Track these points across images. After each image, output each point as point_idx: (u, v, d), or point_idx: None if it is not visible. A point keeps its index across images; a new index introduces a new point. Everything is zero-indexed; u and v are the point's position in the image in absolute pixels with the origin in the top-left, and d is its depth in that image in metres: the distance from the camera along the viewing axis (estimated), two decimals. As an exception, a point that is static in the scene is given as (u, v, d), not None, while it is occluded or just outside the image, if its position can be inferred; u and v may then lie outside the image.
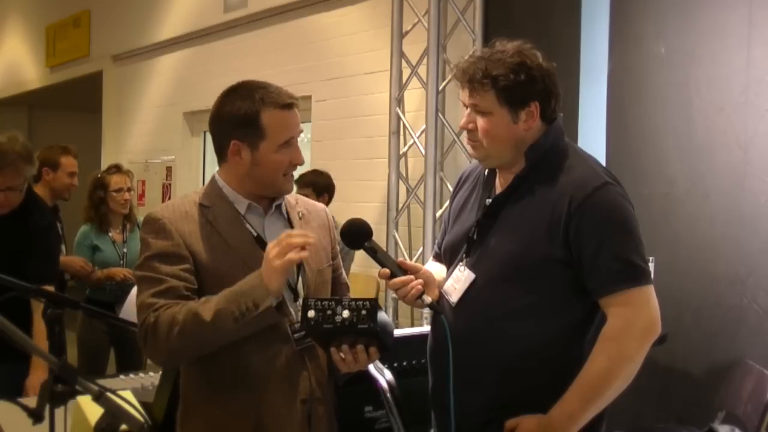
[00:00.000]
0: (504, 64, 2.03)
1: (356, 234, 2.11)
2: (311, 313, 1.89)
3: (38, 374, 3.08)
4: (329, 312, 1.88)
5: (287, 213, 2.15)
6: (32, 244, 3.29)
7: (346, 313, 1.88)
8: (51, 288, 3.29)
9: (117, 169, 4.89)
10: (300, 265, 2.09)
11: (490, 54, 2.07)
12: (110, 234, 4.75)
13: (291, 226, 2.13)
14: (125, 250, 4.73)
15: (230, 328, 1.88)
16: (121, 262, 4.69)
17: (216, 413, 2.03)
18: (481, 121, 2.07)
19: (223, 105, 2.06)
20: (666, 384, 3.68)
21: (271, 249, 1.89)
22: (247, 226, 2.06)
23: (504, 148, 2.09)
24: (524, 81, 2.03)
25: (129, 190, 4.78)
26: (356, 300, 1.90)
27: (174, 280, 1.95)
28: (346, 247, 2.22)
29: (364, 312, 1.88)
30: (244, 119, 2.01)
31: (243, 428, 2.01)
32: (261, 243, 2.05)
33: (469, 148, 2.21)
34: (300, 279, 2.09)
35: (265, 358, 2.02)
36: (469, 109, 2.10)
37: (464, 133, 2.18)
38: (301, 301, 2.04)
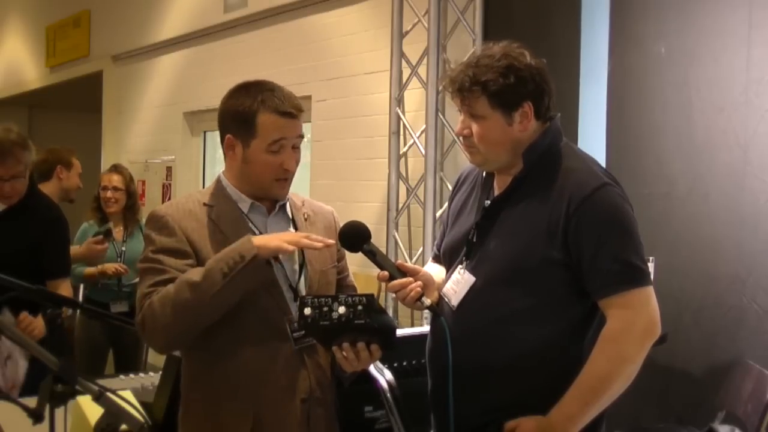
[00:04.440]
0: (492, 68, 2.03)
1: (355, 237, 2.11)
2: (307, 311, 1.89)
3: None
4: (326, 309, 1.89)
5: (292, 214, 2.15)
6: (45, 236, 3.38)
7: (342, 309, 1.88)
8: (67, 280, 3.46)
9: (114, 168, 4.92)
10: (302, 265, 2.09)
11: (477, 60, 2.07)
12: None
13: (295, 227, 2.13)
14: (124, 248, 4.74)
15: (219, 285, 1.88)
16: (119, 259, 4.70)
17: (216, 412, 2.03)
18: (475, 127, 2.07)
19: (228, 99, 2.09)
20: (666, 384, 3.68)
21: (286, 234, 2.00)
22: (250, 225, 2.07)
23: (501, 151, 2.08)
24: (514, 83, 2.03)
25: (116, 189, 4.77)
26: (352, 296, 1.90)
27: (177, 272, 1.96)
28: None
29: (360, 308, 1.88)
30: (241, 116, 2.03)
31: (242, 427, 2.02)
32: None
33: (466, 153, 2.20)
34: (302, 278, 2.09)
35: (265, 357, 2.02)
36: (463, 116, 2.10)
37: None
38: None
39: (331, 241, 2.03)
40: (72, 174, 4.66)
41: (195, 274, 1.92)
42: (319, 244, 1.97)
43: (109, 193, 4.77)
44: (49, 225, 3.45)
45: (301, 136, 2.09)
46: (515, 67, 2.03)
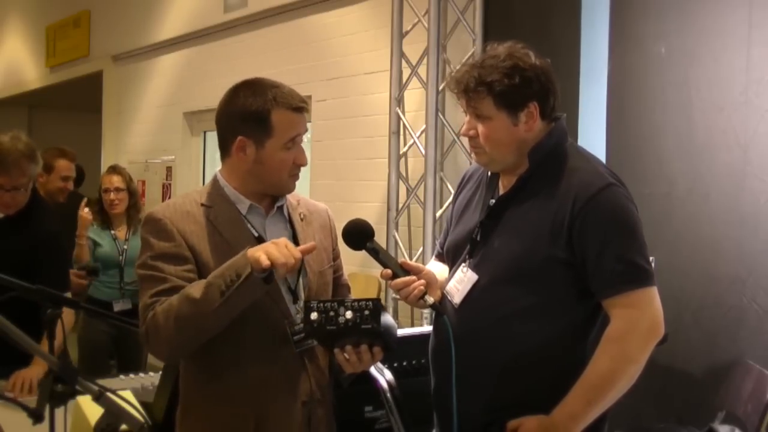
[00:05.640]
0: (497, 69, 2.03)
1: (358, 235, 2.10)
2: (314, 315, 1.89)
3: (34, 369, 3.00)
4: (332, 313, 1.88)
5: (288, 214, 2.15)
6: (42, 249, 3.22)
7: (349, 314, 1.88)
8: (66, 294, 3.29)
9: (112, 169, 4.90)
10: (301, 267, 2.09)
11: (482, 61, 2.07)
12: (113, 232, 4.77)
13: (292, 227, 2.13)
14: (125, 247, 4.75)
15: (218, 302, 1.85)
16: (120, 258, 4.72)
17: (216, 414, 2.03)
18: (481, 127, 2.07)
19: (233, 99, 2.05)
20: (666, 384, 3.68)
21: (280, 242, 1.87)
22: (249, 226, 2.06)
23: (507, 151, 2.09)
24: (519, 83, 2.03)
25: (118, 189, 4.75)
26: (359, 300, 1.90)
27: (178, 280, 1.94)
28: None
29: (367, 312, 1.88)
30: (255, 116, 2.00)
31: (243, 430, 2.01)
32: (262, 243, 2.05)
33: (472, 154, 2.20)
34: (300, 281, 2.09)
35: (266, 360, 2.01)
36: (469, 116, 2.10)
37: (465, 134, 2.18)
38: (301, 303, 2.04)
39: (311, 244, 1.97)
40: (52, 177, 4.58)
41: (196, 289, 1.89)
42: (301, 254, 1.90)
43: (112, 195, 4.75)
44: (47, 237, 3.27)
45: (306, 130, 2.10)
46: (520, 68, 2.04)
